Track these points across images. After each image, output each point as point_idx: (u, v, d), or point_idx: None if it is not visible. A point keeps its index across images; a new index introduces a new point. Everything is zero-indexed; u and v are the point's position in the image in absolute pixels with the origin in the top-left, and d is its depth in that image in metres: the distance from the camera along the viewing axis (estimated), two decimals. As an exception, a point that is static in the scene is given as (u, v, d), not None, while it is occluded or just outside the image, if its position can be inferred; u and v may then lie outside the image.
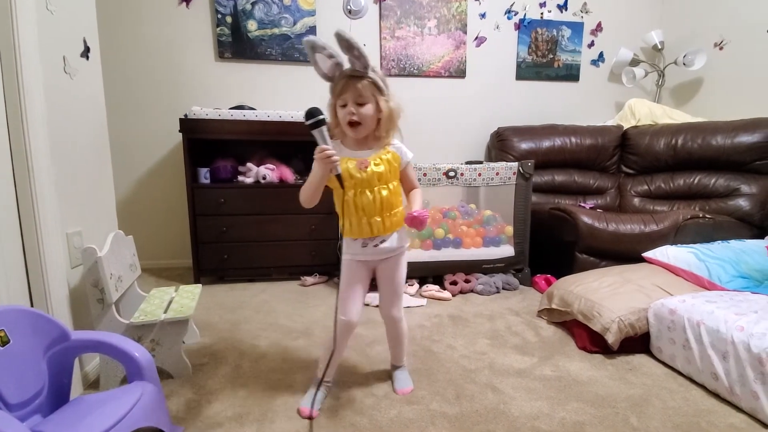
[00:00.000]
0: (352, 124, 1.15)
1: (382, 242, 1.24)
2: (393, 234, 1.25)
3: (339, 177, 1.13)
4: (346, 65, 1.16)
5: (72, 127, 1.43)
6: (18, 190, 1.20)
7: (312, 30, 2.82)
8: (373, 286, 1.34)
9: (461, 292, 2.34)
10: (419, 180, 2.31)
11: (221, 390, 1.39)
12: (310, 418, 1.24)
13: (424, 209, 1.19)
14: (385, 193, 1.19)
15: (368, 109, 1.15)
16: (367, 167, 1.17)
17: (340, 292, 1.26)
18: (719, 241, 2.05)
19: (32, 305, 1.23)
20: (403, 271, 1.32)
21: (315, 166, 1.14)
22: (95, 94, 1.60)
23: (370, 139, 1.21)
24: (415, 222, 1.15)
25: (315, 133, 1.10)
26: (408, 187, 1.29)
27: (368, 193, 1.17)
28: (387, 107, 1.17)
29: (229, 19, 2.74)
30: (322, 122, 1.09)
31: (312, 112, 1.09)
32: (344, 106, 1.15)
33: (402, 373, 1.44)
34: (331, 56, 1.12)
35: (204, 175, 2.44)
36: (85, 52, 1.51)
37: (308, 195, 1.18)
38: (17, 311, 1.00)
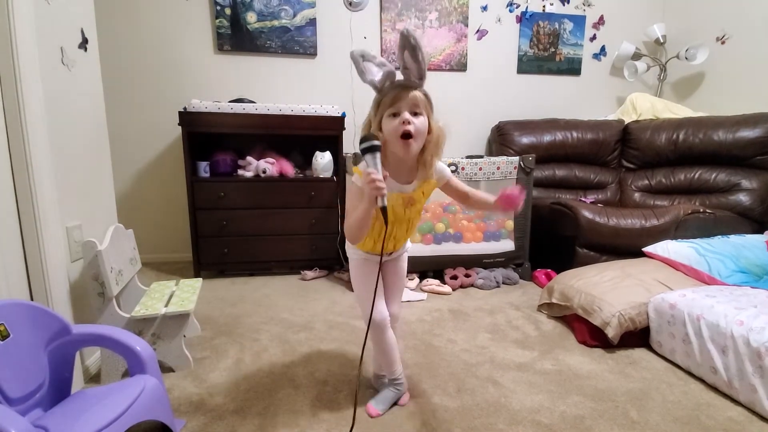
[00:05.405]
0: (406, 137, 1.01)
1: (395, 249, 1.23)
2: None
3: (384, 210, 0.97)
4: (398, 76, 1.08)
5: (70, 119, 1.42)
6: (17, 184, 1.19)
7: (312, 22, 2.79)
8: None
9: (461, 286, 2.35)
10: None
11: (223, 383, 1.39)
12: (370, 416, 1.24)
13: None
14: (416, 219, 1.19)
15: (423, 122, 1.03)
16: (413, 205, 1.12)
17: (360, 294, 1.23)
18: (719, 236, 2.05)
19: (32, 299, 1.22)
20: (406, 265, 1.32)
21: (354, 195, 1.05)
22: (94, 86, 1.58)
23: (413, 168, 1.11)
24: (511, 200, 1.03)
25: (367, 157, 0.99)
26: (463, 194, 1.18)
27: (404, 224, 1.16)
28: (437, 128, 1.07)
29: (228, 11, 2.70)
30: (377, 148, 0.99)
31: (367, 137, 0.99)
32: (396, 115, 1.02)
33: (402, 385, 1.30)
34: (383, 65, 1.06)
35: (203, 168, 2.43)
36: (83, 44, 1.49)
37: (355, 231, 1.04)
38: (17, 305, 0.99)
